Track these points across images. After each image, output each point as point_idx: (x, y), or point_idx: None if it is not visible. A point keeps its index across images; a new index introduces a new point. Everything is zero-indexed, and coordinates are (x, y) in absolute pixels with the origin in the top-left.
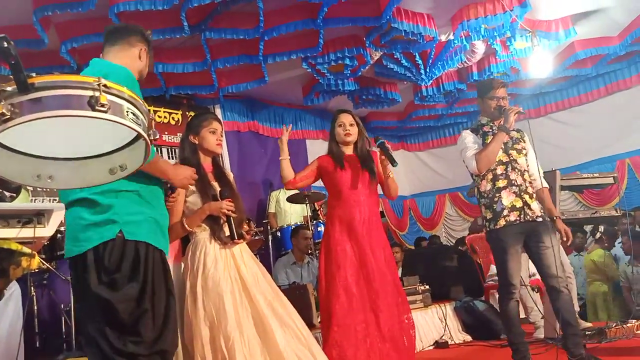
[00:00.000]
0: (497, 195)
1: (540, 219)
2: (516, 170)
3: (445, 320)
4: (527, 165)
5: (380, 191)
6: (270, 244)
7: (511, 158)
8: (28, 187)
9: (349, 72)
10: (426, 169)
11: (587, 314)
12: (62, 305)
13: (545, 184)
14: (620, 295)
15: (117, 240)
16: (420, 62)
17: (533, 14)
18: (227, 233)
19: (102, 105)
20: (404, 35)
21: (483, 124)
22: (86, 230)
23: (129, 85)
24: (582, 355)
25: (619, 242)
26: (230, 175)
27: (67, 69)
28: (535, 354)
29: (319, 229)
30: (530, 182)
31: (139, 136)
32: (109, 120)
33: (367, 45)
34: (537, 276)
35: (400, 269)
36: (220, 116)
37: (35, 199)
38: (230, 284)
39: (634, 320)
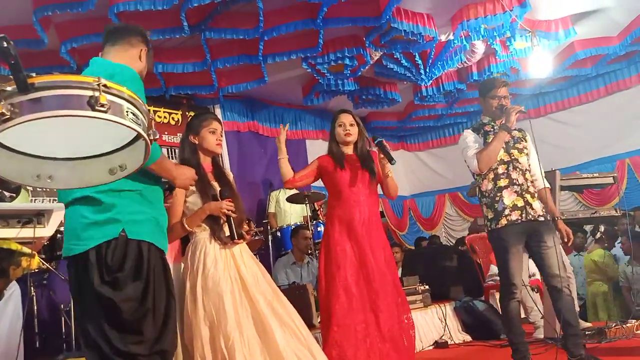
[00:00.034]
0: (499, 194)
1: (542, 219)
2: (517, 169)
3: (445, 320)
4: (529, 165)
5: (380, 191)
6: (270, 244)
7: (512, 157)
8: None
9: (349, 72)
10: (426, 169)
11: (587, 314)
12: (62, 306)
13: (547, 184)
14: (620, 295)
15: (120, 239)
16: (420, 62)
17: (533, 14)
18: (227, 233)
19: (102, 105)
20: (403, 35)
21: (485, 123)
22: (88, 229)
23: (135, 85)
24: (582, 355)
25: (619, 242)
26: (230, 175)
27: (67, 69)
28: (535, 354)
29: (318, 229)
30: (532, 182)
31: (138, 136)
32: (109, 120)
33: (366, 45)
34: (537, 276)
35: (400, 269)
36: (220, 116)
37: (35, 199)
38: (230, 284)
39: (633, 320)
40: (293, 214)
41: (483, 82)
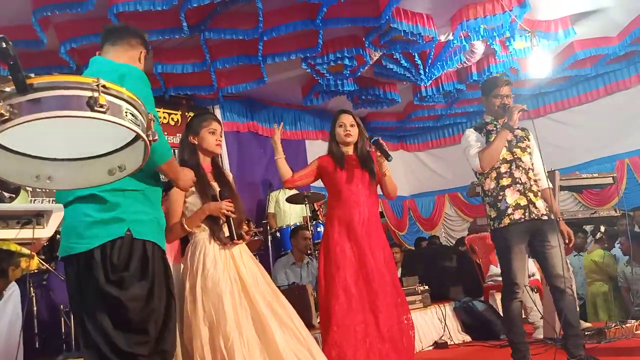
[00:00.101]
0: (501, 193)
1: (545, 217)
2: (520, 168)
3: (445, 320)
4: (532, 164)
5: (379, 191)
6: (269, 244)
7: (515, 156)
8: (27, 188)
9: (348, 72)
10: (425, 169)
11: (586, 314)
12: (61, 306)
13: (550, 184)
14: (621, 295)
15: (126, 239)
16: (419, 62)
17: (532, 14)
18: (227, 233)
19: (101, 106)
20: (403, 35)
21: (487, 122)
22: (92, 227)
23: (146, 86)
24: (582, 356)
25: (618, 243)
26: (230, 176)
27: (66, 69)
28: (535, 354)
29: (318, 229)
30: (535, 181)
31: (138, 137)
32: (108, 120)
33: (366, 45)
34: (537, 276)
35: (400, 270)
36: (219, 116)
37: (35, 200)
38: (229, 284)
39: (633, 321)
40: (293, 214)
41: (485, 81)
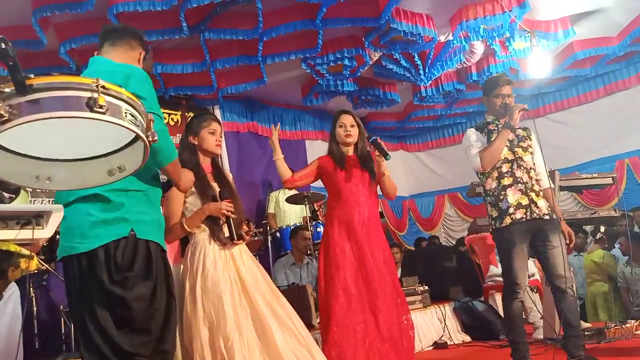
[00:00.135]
0: (503, 193)
1: (547, 217)
2: (522, 167)
3: (445, 320)
4: (533, 163)
5: (379, 192)
6: (269, 244)
7: (517, 156)
8: (27, 189)
9: (348, 72)
10: (425, 170)
11: (586, 315)
12: (61, 306)
13: (552, 184)
14: (620, 296)
15: (130, 239)
16: (419, 62)
17: (532, 14)
18: (227, 234)
19: (101, 107)
20: (403, 35)
21: (488, 122)
22: (95, 227)
23: (149, 86)
24: (582, 356)
25: (618, 243)
26: (230, 176)
27: (66, 69)
28: (534, 355)
29: (318, 229)
30: (536, 180)
31: (137, 137)
32: (107, 121)
33: (366, 45)
34: (536, 277)
35: (400, 270)
36: (219, 117)
37: (35, 200)
38: (229, 284)
39: (632, 321)
40: (292, 214)
41: (487, 80)
